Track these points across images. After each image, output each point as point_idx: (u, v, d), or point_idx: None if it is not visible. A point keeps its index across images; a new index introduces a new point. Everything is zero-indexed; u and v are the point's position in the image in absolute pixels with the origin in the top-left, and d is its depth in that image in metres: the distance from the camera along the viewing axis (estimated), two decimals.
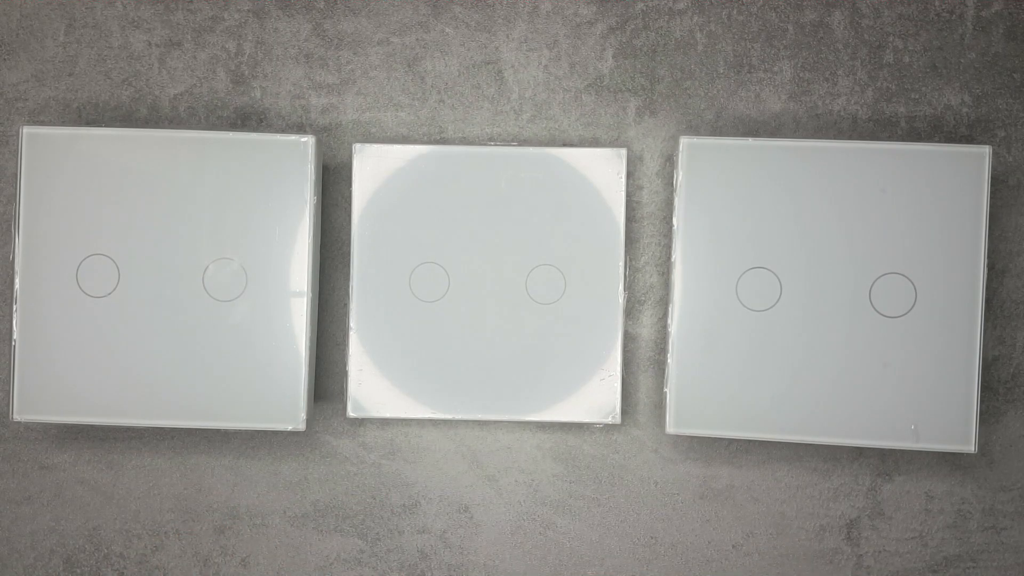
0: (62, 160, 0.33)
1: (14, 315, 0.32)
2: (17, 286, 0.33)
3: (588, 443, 0.35)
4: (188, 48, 0.35)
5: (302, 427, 0.32)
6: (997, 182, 0.35)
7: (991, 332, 0.35)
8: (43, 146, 0.33)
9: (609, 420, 0.33)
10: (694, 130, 0.35)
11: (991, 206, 0.33)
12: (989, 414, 0.35)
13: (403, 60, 0.35)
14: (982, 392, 0.34)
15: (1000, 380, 0.35)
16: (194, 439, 0.35)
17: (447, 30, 0.35)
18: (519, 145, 0.34)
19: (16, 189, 0.33)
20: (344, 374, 0.35)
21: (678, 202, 0.33)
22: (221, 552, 0.35)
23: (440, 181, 0.33)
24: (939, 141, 0.35)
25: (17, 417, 0.32)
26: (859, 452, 0.35)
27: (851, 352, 0.32)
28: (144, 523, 0.35)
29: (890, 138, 0.35)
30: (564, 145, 0.35)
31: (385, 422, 0.35)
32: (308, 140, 0.33)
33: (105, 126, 0.34)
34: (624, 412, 0.35)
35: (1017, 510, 0.35)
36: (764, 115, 0.35)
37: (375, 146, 0.34)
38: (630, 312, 0.35)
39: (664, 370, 0.34)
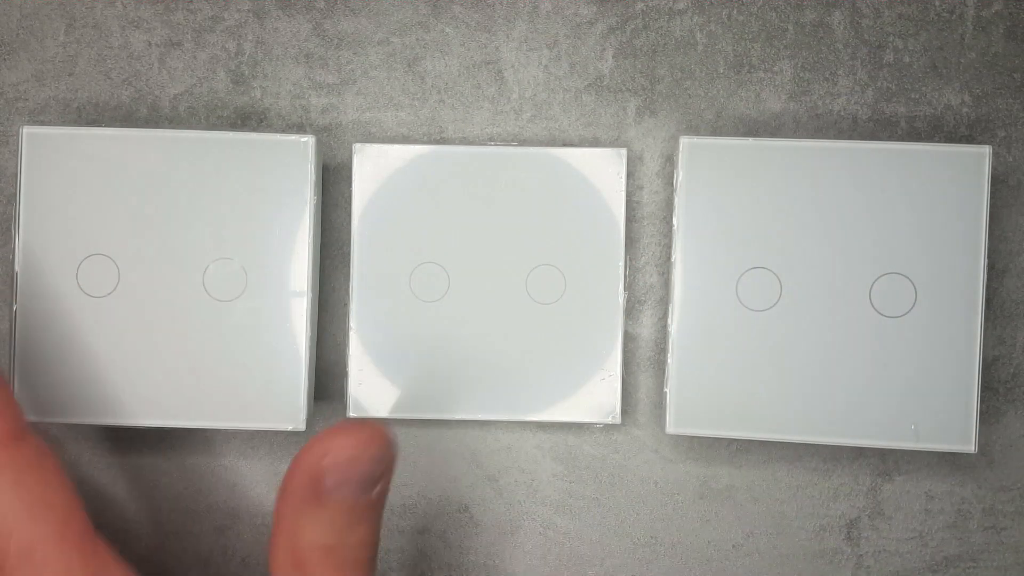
0: (62, 160, 0.32)
1: (14, 315, 0.32)
2: (17, 286, 0.33)
3: (588, 443, 0.35)
4: (188, 48, 0.35)
5: (302, 427, 0.32)
6: (997, 182, 0.35)
7: (991, 332, 0.35)
8: (43, 146, 0.33)
9: (609, 420, 0.33)
10: (694, 130, 0.35)
11: (991, 206, 0.33)
12: (989, 414, 0.35)
13: (403, 60, 0.35)
14: (982, 392, 0.34)
15: (1000, 380, 0.35)
16: (194, 439, 0.35)
17: (447, 30, 0.35)
18: (519, 145, 0.34)
19: (16, 189, 0.33)
20: (344, 374, 0.35)
21: (678, 202, 0.33)
22: (221, 552, 0.35)
23: (440, 181, 0.33)
24: (939, 141, 0.35)
25: None
26: (859, 452, 0.35)
27: (851, 352, 0.32)
28: (144, 523, 0.35)
29: (890, 138, 0.35)
30: (564, 145, 0.35)
31: (385, 422, 0.35)
32: (308, 140, 0.33)
33: (105, 126, 0.34)
34: (624, 412, 0.35)
35: (1017, 510, 0.35)
36: (764, 115, 0.35)
37: (375, 146, 0.34)
38: (630, 312, 0.35)
39: (664, 370, 0.34)
